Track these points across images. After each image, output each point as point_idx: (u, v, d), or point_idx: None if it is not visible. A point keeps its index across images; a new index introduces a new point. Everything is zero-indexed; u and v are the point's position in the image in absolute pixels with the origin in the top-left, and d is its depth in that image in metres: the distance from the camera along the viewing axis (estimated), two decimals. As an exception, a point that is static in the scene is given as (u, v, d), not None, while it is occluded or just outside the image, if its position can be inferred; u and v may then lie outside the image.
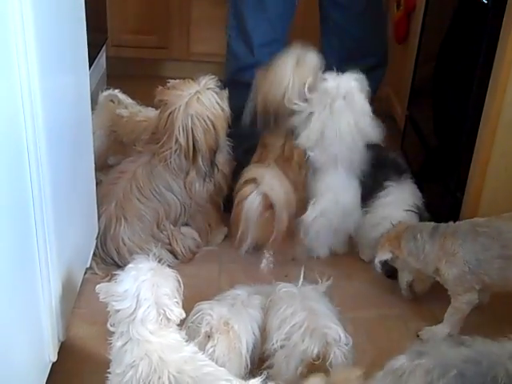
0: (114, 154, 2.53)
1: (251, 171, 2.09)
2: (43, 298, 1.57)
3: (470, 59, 2.06)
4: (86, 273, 1.93)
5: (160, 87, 2.10)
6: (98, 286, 1.48)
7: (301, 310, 1.61)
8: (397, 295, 2.01)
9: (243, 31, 2.41)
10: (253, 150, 2.24)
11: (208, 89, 2.06)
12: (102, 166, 2.34)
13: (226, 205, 2.26)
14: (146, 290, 1.43)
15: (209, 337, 1.58)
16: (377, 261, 1.89)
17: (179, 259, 2.13)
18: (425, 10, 2.57)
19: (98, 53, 3.02)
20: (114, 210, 2.02)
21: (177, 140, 2.02)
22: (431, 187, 2.34)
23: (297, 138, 2.12)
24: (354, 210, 2.17)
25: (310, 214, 2.11)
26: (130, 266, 1.50)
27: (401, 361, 1.34)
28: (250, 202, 2.04)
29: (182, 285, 1.53)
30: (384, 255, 1.87)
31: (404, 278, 1.95)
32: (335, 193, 2.12)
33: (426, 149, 2.51)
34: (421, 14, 2.61)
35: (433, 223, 1.88)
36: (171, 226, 2.10)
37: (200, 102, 2.03)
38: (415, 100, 2.69)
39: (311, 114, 2.09)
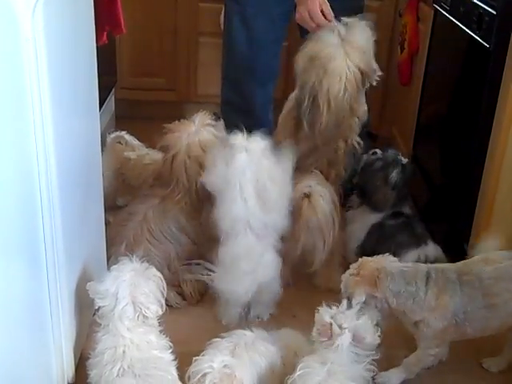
0: (122, 195, 2.55)
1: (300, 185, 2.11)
2: (53, 339, 1.58)
3: (473, 101, 2.09)
4: (94, 314, 1.93)
5: (166, 127, 2.12)
6: (88, 284, 1.62)
7: None
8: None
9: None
10: None
11: (204, 125, 2.08)
12: (111, 207, 2.36)
13: None
14: (123, 289, 1.57)
15: None
16: (355, 303, 1.70)
17: (187, 301, 2.12)
18: (428, 53, 2.62)
19: (108, 95, 3.07)
20: (124, 251, 2.01)
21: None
22: (437, 227, 2.35)
23: None
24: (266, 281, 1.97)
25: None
26: (114, 266, 1.65)
27: None
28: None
29: (165, 286, 1.67)
30: (361, 296, 1.71)
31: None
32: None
33: (431, 188, 2.53)
34: (424, 56, 2.66)
35: (421, 266, 1.78)
36: (183, 268, 2.09)
37: (200, 142, 2.04)
38: (420, 140, 2.72)
39: None
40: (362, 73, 2.18)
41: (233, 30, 2.55)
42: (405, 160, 2.30)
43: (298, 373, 1.53)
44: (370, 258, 1.78)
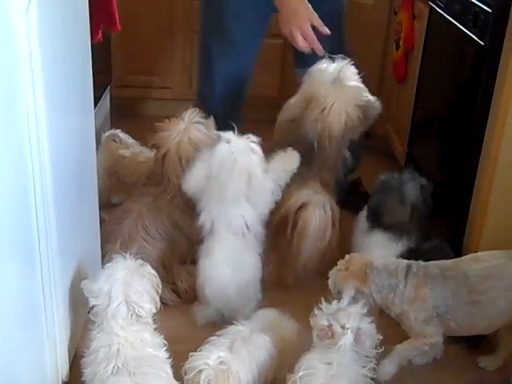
0: (117, 192, 2.55)
1: (299, 195, 2.09)
2: (48, 337, 1.58)
3: (468, 98, 2.09)
4: (89, 312, 1.92)
5: (157, 125, 2.12)
6: (82, 282, 1.62)
7: None
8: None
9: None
10: None
11: (194, 123, 2.07)
12: (105, 205, 2.35)
13: None
14: (117, 288, 1.58)
15: None
16: (345, 300, 1.66)
17: (182, 298, 2.11)
18: (423, 51, 2.62)
19: (103, 93, 3.06)
20: (119, 249, 2.01)
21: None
22: (432, 224, 2.35)
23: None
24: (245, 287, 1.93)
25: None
26: (107, 264, 1.66)
27: None
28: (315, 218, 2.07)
29: (160, 284, 1.67)
30: (351, 290, 1.72)
31: None
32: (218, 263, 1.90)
33: (426, 186, 2.52)
34: (419, 54, 2.66)
35: (403, 261, 1.80)
36: (178, 265, 2.10)
37: (190, 140, 2.04)
38: (415, 138, 2.72)
39: None
40: (360, 109, 2.18)
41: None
42: (423, 180, 2.15)
43: (300, 373, 1.51)
44: (357, 254, 1.81)
